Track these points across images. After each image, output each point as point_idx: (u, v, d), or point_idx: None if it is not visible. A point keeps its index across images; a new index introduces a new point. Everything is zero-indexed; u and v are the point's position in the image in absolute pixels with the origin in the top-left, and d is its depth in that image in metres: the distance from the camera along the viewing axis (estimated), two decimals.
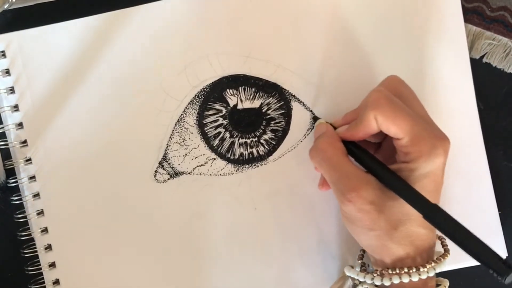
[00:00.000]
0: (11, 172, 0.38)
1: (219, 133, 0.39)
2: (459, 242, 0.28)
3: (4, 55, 0.38)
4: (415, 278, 0.31)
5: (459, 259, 0.37)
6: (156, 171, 0.38)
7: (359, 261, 0.36)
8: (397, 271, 0.31)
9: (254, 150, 0.39)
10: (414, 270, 0.31)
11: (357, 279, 0.34)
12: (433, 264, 0.31)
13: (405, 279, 0.31)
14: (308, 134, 0.39)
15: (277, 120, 0.39)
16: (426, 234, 0.32)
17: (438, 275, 0.33)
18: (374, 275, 0.33)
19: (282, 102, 0.39)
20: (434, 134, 0.31)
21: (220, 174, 0.39)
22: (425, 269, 0.31)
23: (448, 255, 0.33)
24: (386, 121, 0.31)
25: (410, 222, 0.31)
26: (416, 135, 0.31)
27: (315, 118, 0.38)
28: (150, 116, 0.38)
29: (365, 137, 0.33)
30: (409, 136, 0.31)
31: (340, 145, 0.34)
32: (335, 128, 0.36)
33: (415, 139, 0.31)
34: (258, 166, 0.39)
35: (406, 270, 0.31)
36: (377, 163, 0.33)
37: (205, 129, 0.39)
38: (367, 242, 0.33)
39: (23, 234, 0.38)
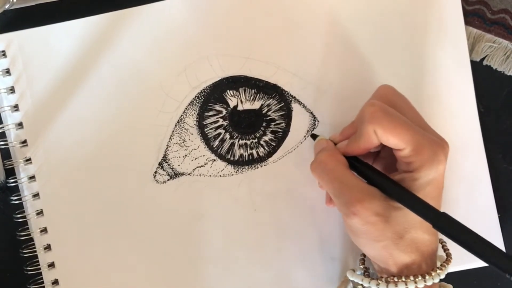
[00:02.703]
0: (10, 172, 0.38)
1: (219, 134, 0.39)
2: (471, 248, 0.28)
3: (4, 55, 0.38)
4: (420, 285, 0.31)
5: (460, 261, 0.37)
6: (155, 172, 0.38)
7: (361, 266, 0.36)
8: (403, 279, 0.31)
9: (254, 152, 0.39)
10: (420, 278, 0.31)
11: (361, 284, 0.34)
12: (438, 271, 0.32)
13: (411, 286, 0.31)
14: (308, 136, 0.39)
15: (277, 122, 0.39)
16: (430, 240, 0.32)
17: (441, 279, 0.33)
18: (379, 281, 0.32)
19: (282, 104, 0.39)
20: (434, 141, 0.31)
21: (220, 175, 0.39)
22: (431, 277, 0.31)
23: (451, 260, 0.33)
24: (385, 134, 0.31)
25: (415, 229, 0.31)
26: (417, 145, 0.30)
27: (313, 136, 0.38)
28: (150, 116, 0.38)
29: (366, 151, 0.33)
30: (410, 146, 0.30)
31: (342, 158, 0.33)
32: (335, 144, 0.36)
33: (416, 148, 0.30)
34: (258, 168, 0.39)
35: (412, 278, 0.31)
36: (381, 175, 0.32)
37: (205, 130, 0.39)
38: (373, 253, 0.33)
39: (22, 234, 0.38)
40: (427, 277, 0.31)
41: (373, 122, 0.31)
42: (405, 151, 0.31)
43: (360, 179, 0.32)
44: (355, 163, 0.34)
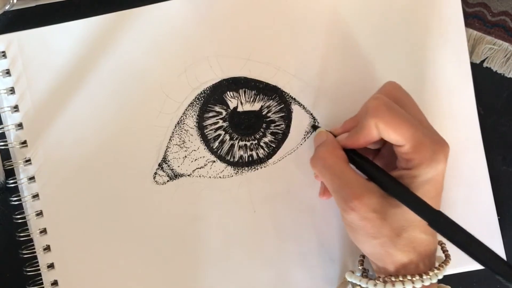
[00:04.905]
0: (10, 173, 0.38)
1: (219, 135, 0.39)
2: (464, 248, 0.28)
3: (4, 56, 0.38)
4: (418, 285, 0.31)
5: (459, 263, 0.37)
6: (155, 173, 0.38)
7: (360, 267, 0.36)
8: (401, 278, 0.31)
9: (253, 153, 0.39)
10: (417, 277, 0.31)
11: (359, 285, 0.34)
12: (435, 271, 0.31)
13: (408, 286, 0.31)
14: (308, 137, 0.39)
15: (277, 123, 0.39)
16: (428, 240, 0.32)
17: (439, 280, 0.33)
18: (377, 281, 0.32)
19: (282, 105, 0.39)
20: (434, 140, 0.31)
21: (220, 177, 0.39)
22: (428, 276, 0.31)
23: (449, 261, 0.33)
24: (387, 129, 0.31)
25: (413, 228, 0.31)
26: (417, 142, 0.30)
27: (314, 127, 0.38)
28: (150, 117, 0.38)
29: (366, 144, 0.33)
30: (410, 143, 0.30)
31: (341, 153, 0.33)
32: (335, 136, 0.36)
33: (416, 145, 0.30)
34: (257, 169, 0.39)
35: (409, 277, 0.31)
36: (380, 170, 0.32)
37: (205, 131, 0.39)
38: (370, 250, 0.33)
39: (22, 234, 0.38)
40: (424, 276, 0.31)
41: (376, 115, 0.31)
42: (405, 147, 0.31)
43: (360, 175, 0.32)
44: (355, 157, 0.34)
